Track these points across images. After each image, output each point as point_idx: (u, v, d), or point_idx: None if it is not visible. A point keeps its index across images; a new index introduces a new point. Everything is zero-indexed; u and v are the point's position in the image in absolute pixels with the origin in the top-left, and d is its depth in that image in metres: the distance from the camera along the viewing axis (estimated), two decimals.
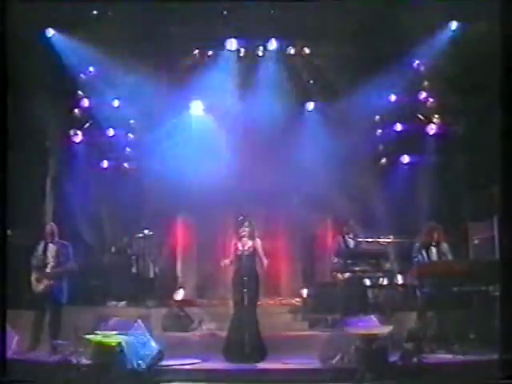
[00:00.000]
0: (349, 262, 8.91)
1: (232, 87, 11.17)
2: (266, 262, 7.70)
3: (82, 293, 9.43)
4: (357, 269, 8.89)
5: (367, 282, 9.02)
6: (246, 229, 7.70)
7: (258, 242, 7.72)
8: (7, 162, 6.35)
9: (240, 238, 7.71)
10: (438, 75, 10.78)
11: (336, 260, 9.11)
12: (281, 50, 11.19)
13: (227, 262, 7.71)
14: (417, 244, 8.31)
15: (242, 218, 7.81)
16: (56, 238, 8.37)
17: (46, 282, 8.13)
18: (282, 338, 8.25)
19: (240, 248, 7.68)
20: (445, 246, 8.24)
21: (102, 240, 11.05)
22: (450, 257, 8.24)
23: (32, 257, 8.29)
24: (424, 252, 8.20)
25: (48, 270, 8.18)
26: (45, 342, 7.90)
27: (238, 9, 10.07)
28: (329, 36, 10.59)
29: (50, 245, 8.33)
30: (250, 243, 7.68)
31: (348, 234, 9.48)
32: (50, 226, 8.45)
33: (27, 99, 9.54)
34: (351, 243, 9.44)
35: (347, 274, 8.91)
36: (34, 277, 8.17)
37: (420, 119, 11.39)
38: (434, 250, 8.20)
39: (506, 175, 5.95)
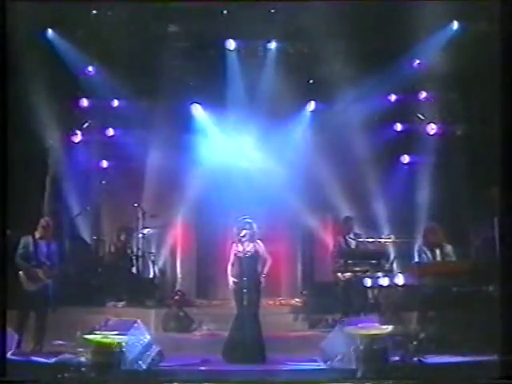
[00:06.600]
0: (349, 262, 8.90)
1: (232, 87, 11.16)
2: (270, 262, 7.70)
3: (81, 293, 9.44)
4: (357, 269, 8.88)
5: (367, 282, 9.00)
6: (247, 231, 7.67)
7: (260, 244, 7.69)
8: (7, 162, 6.35)
9: (241, 240, 7.69)
10: (438, 75, 10.78)
11: (337, 260, 9.10)
12: (281, 50, 11.19)
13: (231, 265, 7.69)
14: (418, 244, 8.30)
15: (242, 219, 7.78)
16: (48, 234, 8.03)
17: (37, 280, 7.84)
18: (282, 338, 8.24)
19: (241, 250, 7.66)
20: (448, 248, 8.24)
21: (101, 240, 11.04)
22: (452, 258, 8.23)
23: (21, 252, 7.93)
24: (427, 252, 8.20)
25: (38, 268, 7.86)
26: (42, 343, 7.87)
27: (237, 9, 10.07)
28: (329, 36, 10.57)
29: (41, 241, 7.98)
30: (250, 245, 7.66)
31: (349, 234, 9.47)
32: (45, 221, 8.10)
33: (27, 99, 9.54)
34: (352, 243, 9.43)
35: (347, 274, 8.90)
36: (22, 275, 7.85)
37: (420, 119, 11.39)
38: (437, 251, 8.20)
39: (506, 175, 5.95)
